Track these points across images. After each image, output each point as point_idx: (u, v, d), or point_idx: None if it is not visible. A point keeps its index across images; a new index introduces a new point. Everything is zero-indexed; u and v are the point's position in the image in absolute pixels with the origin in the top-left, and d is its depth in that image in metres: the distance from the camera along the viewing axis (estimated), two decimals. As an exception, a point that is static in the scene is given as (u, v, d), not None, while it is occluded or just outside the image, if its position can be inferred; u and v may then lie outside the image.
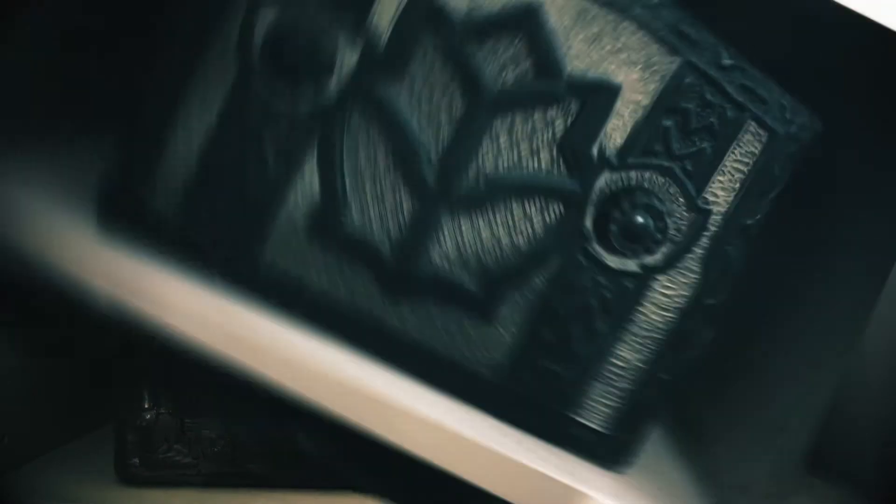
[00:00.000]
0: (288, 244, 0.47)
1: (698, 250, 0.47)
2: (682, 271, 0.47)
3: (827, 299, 0.54)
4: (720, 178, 0.47)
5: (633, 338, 0.48)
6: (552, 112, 0.46)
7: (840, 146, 0.51)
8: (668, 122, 0.46)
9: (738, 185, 0.47)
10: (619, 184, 0.46)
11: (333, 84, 0.46)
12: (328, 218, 0.47)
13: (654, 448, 0.54)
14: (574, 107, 0.46)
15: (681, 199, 0.47)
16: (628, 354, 0.48)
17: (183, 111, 0.46)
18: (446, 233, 0.47)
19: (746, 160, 0.46)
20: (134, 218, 0.48)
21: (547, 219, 0.47)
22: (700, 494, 0.54)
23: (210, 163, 0.46)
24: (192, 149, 0.46)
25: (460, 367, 0.48)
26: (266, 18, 0.45)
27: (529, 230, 0.47)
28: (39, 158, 0.54)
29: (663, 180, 0.46)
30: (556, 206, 0.47)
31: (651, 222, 0.46)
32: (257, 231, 0.47)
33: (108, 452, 0.59)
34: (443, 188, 0.47)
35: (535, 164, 0.47)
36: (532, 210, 0.47)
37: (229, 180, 0.47)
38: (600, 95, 0.45)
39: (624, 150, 0.46)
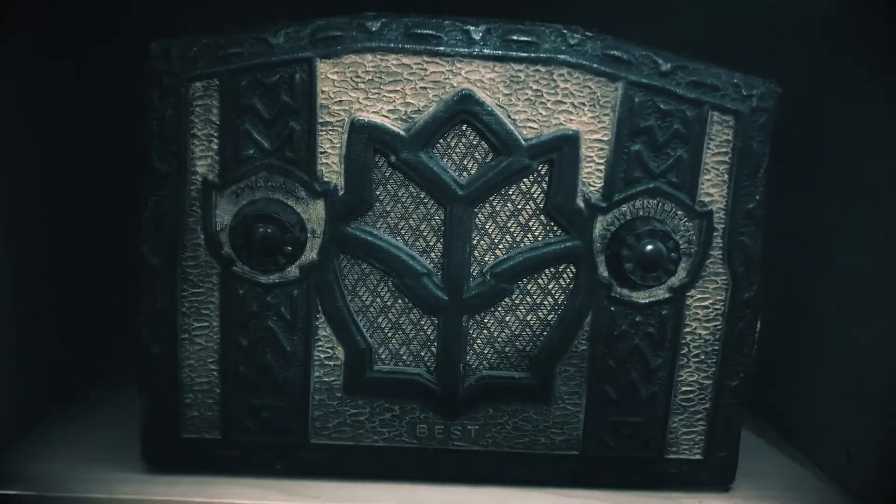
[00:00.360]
0: (332, 412, 0.47)
1: (716, 252, 0.46)
2: (709, 278, 0.47)
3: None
4: (706, 176, 0.46)
5: (692, 359, 0.47)
6: (525, 183, 0.46)
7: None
8: (636, 146, 0.45)
9: (726, 177, 0.46)
10: (616, 222, 0.46)
11: (311, 242, 0.45)
12: (358, 368, 0.47)
13: (747, 451, 0.52)
14: (543, 170, 0.46)
15: (679, 213, 0.46)
16: (693, 376, 0.48)
17: (185, 331, 0.46)
18: (474, 335, 0.47)
19: (724, 149, 0.46)
20: (179, 456, 0.47)
21: (563, 284, 0.47)
22: (807, 477, 0.53)
23: (230, 369, 0.46)
24: (209, 364, 0.46)
25: (542, 457, 0.48)
26: (224, 216, 0.45)
27: (551, 301, 0.47)
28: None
29: (655, 201, 0.46)
30: (566, 269, 0.46)
31: (661, 245, 0.45)
32: (300, 414, 0.47)
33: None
34: (453, 296, 0.46)
35: (531, 238, 0.46)
36: (546, 282, 0.47)
37: (254, 379, 0.46)
38: (563, 150, 0.45)
39: (607, 190, 0.46)
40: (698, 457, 0.49)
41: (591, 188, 0.46)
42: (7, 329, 0.50)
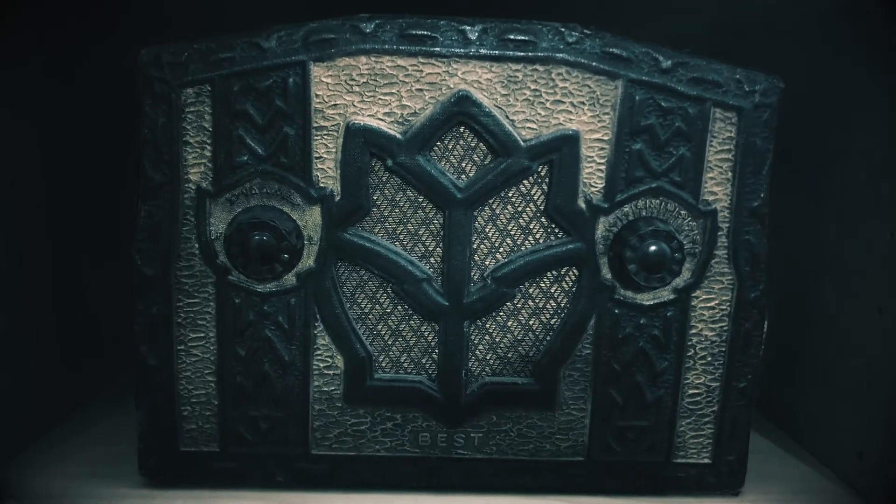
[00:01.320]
0: (332, 422, 0.46)
1: (720, 251, 0.46)
2: (714, 278, 0.46)
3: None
4: (710, 174, 0.45)
5: (698, 361, 0.46)
6: (525, 185, 0.45)
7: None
8: (637, 145, 0.44)
9: (730, 175, 0.45)
10: (619, 223, 0.45)
11: (307, 249, 0.44)
12: (358, 376, 0.46)
13: (756, 454, 0.51)
14: (543, 171, 0.45)
15: (682, 212, 0.45)
16: (700, 378, 0.47)
17: (182, 342, 0.45)
18: (476, 341, 0.46)
19: (728, 147, 0.45)
20: (177, 469, 0.47)
21: (566, 287, 0.46)
22: (818, 478, 0.52)
23: (228, 380, 0.45)
24: (206, 375, 0.45)
25: (547, 464, 0.47)
26: (219, 225, 0.44)
27: (554, 305, 0.46)
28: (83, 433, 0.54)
29: (658, 201, 0.45)
30: (569, 272, 0.46)
31: (664, 246, 0.44)
32: (299, 425, 0.46)
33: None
34: (453, 302, 0.45)
35: (532, 241, 0.45)
36: (548, 285, 0.46)
37: (252, 390, 0.45)
38: (563, 150, 0.44)
39: (609, 191, 0.45)
40: (706, 460, 0.48)
41: (593, 189, 0.45)
42: (5, 344, 0.49)
